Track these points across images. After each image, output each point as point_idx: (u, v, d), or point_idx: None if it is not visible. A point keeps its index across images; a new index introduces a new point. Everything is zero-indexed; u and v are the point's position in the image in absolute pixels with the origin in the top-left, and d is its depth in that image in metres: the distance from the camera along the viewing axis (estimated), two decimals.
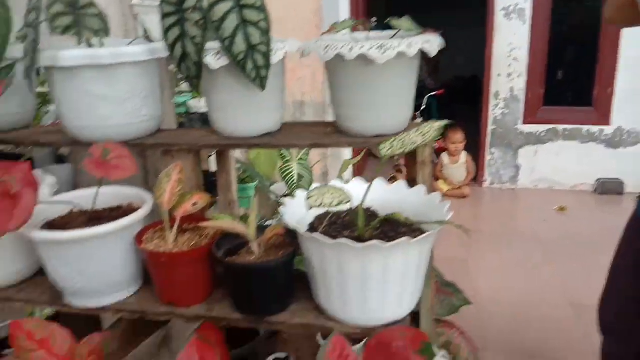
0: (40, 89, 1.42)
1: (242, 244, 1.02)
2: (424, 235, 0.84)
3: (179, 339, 1.61)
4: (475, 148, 4.03)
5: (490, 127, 3.91)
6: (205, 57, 0.95)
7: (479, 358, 1.48)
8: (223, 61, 0.95)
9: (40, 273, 1.12)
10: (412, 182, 1.05)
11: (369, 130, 1.01)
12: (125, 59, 0.98)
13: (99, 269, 0.95)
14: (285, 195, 2.94)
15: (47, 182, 1.08)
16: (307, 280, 1.05)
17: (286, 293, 0.99)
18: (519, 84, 3.77)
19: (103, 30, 0.99)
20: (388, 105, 0.99)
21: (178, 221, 1.00)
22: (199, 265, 0.98)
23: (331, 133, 1.08)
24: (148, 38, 1.09)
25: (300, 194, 1.01)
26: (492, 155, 3.96)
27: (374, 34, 1.05)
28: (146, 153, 1.46)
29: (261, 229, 0.99)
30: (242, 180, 3.14)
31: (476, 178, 4.05)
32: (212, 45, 0.97)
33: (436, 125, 0.85)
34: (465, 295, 1.59)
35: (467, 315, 1.58)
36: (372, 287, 0.87)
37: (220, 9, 0.90)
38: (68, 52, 0.95)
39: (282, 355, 2.22)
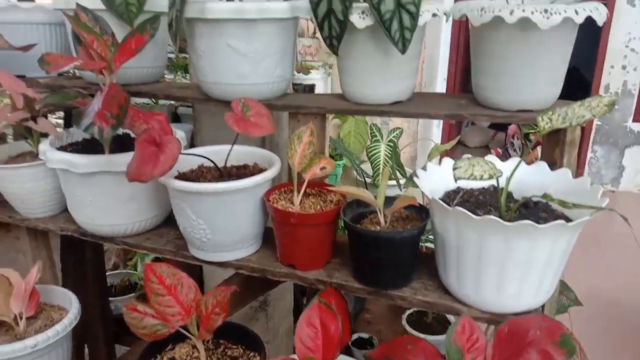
0: None
1: (364, 214, 1.00)
2: (580, 220, 0.77)
3: (275, 305, 1.64)
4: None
5: (595, 123, 3.64)
6: (351, 16, 0.92)
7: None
8: (369, 20, 0.92)
9: (164, 224, 1.16)
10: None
11: (513, 103, 0.95)
12: (269, 14, 0.97)
13: (227, 224, 0.97)
14: (372, 176, 2.90)
15: (178, 135, 1.10)
16: (428, 257, 1.02)
17: (410, 268, 0.95)
18: (634, 78, 3.47)
19: None
20: (539, 78, 0.92)
21: (305, 184, 0.99)
22: (325, 229, 0.97)
23: (466, 105, 1.02)
24: None
25: (433, 166, 0.97)
26: (594, 153, 3.71)
27: None
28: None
29: (388, 200, 0.96)
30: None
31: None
32: (358, 4, 0.94)
33: (606, 99, 0.77)
34: (576, 295, 1.49)
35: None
36: (513, 271, 0.81)
37: None
38: (215, 5, 0.95)
39: (365, 335, 2.20)
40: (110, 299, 1.83)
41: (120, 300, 1.91)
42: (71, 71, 1.46)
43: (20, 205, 1.18)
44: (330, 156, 3.09)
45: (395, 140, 2.88)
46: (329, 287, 0.95)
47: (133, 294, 1.93)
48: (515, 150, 4.05)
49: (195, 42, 1.03)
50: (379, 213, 0.94)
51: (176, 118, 1.64)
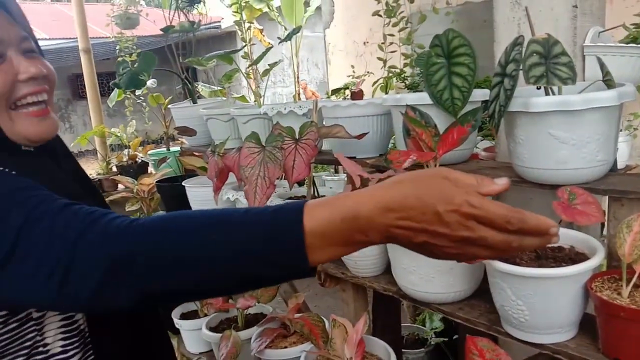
0: None
1: None
2: None
3: None
4: None
5: None
6: None
7: None
8: None
9: (473, 296, 1.24)
10: None
11: None
12: (595, 104, 0.99)
13: (546, 307, 0.99)
14: None
15: None
16: None
17: None
18: None
19: (571, 78, 1.03)
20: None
21: (637, 275, 0.95)
22: None
23: None
24: (609, 81, 1.07)
25: None
26: None
27: None
28: None
29: None
30: None
31: None
32: None
33: None
34: None
35: None
36: None
37: None
38: (540, 100, 1.02)
39: None
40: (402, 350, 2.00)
41: (410, 353, 2.06)
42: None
43: (352, 265, 1.43)
44: None
45: None
46: None
47: (422, 349, 2.06)
48: None
49: (514, 130, 1.12)
50: None
51: None
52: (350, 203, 0.57)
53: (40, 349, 0.72)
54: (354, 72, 4.16)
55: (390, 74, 2.98)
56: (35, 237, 0.59)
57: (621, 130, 2.33)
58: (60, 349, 0.74)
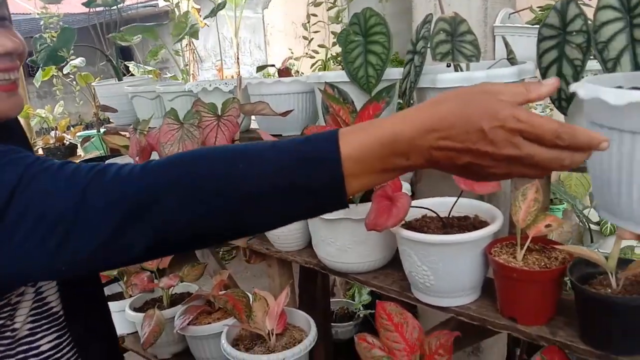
0: None
1: (594, 274, 0.97)
2: None
3: (488, 352, 1.64)
4: None
5: None
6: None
7: None
8: None
9: (389, 266, 1.30)
10: None
11: None
12: (497, 80, 1.04)
13: (450, 272, 1.05)
14: (599, 223, 2.64)
15: (404, 188, 1.24)
16: None
17: None
18: None
19: (475, 56, 1.08)
20: None
21: (529, 240, 1.02)
22: (549, 286, 0.98)
23: None
24: (512, 59, 1.13)
25: None
26: None
27: None
28: None
29: (622, 262, 0.93)
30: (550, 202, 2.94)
31: None
32: (591, 67, 0.96)
33: None
34: None
35: None
36: None
37: (609, 29, 0.88)
38: (445, 76, 1.07)
39: None
40: (331, 324, 2.05)
41: (340, 326, 2.12)
42: None
43: (276, 240, 1.45)
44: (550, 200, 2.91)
45: None
46: (554, 346, 0.95)
47: (351, 322, 2.13)
48: None
49: None
50: (610, 276, 0.92)
51: None
52: (388, 126, 0.53)
53: (8, 333, 0.69)
54: (292, 53, 4.15)
55: (329, 56, 2.99)
56: (34, 192, 0.54)
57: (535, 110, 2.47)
58: (27, 332, 0.71)
